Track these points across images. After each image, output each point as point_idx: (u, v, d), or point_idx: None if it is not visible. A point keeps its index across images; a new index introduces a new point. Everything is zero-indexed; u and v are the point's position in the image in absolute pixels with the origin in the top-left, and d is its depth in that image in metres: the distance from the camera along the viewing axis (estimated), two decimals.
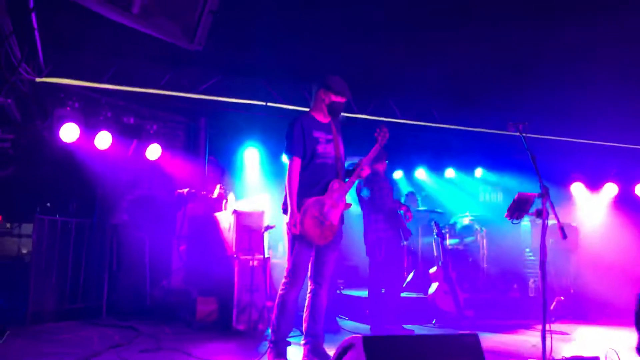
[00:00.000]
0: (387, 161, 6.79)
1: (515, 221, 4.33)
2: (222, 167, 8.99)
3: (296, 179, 4.45)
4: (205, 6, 2.62)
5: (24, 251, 6.28)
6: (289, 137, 4.52)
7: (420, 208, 9.40)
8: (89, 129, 7.00)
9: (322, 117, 4.67)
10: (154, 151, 7.78)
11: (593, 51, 6.86)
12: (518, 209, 4.26)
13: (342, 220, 4.67)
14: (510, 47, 6.64)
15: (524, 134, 4.36)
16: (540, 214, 4.00)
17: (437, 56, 6.76)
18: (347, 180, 4.66)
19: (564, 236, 3.91)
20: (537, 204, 4.21)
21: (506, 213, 4.35)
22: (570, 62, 7.11)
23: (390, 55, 6.88)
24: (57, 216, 6.73)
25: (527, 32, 6.35)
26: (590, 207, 10.55)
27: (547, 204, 4.01)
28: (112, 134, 7.21)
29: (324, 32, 6.33)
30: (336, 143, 4.66)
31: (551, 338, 4.00)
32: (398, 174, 11.19)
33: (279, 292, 4.49)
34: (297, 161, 4.48)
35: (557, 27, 6.24)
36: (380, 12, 5.81)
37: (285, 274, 4.51)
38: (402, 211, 6.62)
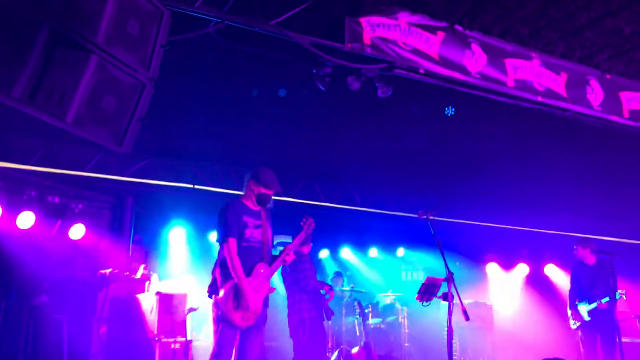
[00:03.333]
0: (312, 243, 7.04)
1: (425, 303, 4.65)
2: (147, 247, 8.93)
3: (237, 257, 4.55)
4: (133, 115, 2.86)
5: None
6: (221, 221, 4.66)
7: (345, 288, 9.57)
8: (12, 207, 6.91)
9: (252, 205, 4.87)
10: (77, 231, 7.70)
11: (501, 148, 7.54)
12: (427, 291, 4.60)
13: (266, 303, 4.79)
14: (422, 143, 7.22)
15: (431, 218, 4.77)
16: (446, 297, 4.34)
17: (356, 148, 7.25)
18: (272, 264, 4.84)
19: (467, 318, 4.24)
20: (445, 287, 4.56)
21: (417, 295, 4.67)
22: (482, 156, 7.75)
23: (314, 144, 7.32)
24: None
25: (438, 130, 6.97)
26: (504, 286, 11.13)
27: (452, 288, 4.37)
28: (35, 214, 7.12)
29: (253, 122, 6.69)
30: (264, 229, 4.85)
31: None
32: (324, 253, 11.29)
33: None
34: (233, 242, 4.58)
35: (468, 123, 6.88)
36: (303, 107, 6.26)
37: (210, 355, 4.57)
38: (323, 291, 6.80)
